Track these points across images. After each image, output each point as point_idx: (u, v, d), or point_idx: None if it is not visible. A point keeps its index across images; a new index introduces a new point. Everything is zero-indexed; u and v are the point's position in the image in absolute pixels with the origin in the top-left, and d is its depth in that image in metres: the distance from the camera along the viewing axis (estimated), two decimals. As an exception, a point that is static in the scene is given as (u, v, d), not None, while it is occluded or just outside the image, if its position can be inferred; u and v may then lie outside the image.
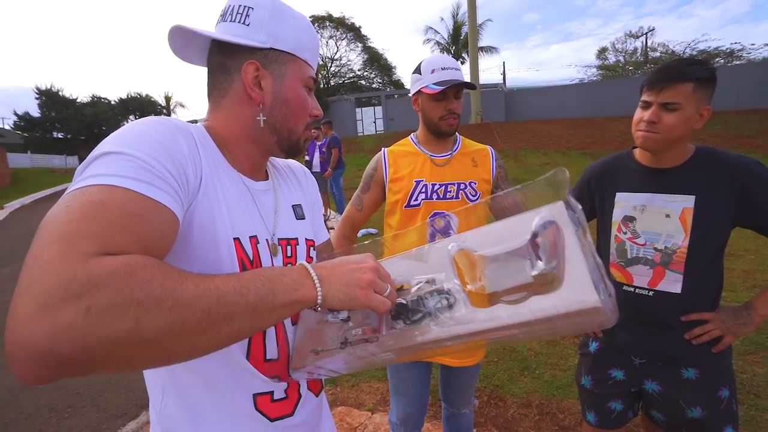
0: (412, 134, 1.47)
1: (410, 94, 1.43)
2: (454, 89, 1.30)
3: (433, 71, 1.30)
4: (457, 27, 25.83)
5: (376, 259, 0.62)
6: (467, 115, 20.02)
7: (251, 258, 0.63)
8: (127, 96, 34.64)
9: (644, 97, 1.11)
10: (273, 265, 0.67)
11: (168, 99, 37.05)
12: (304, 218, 0.81)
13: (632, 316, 1.19)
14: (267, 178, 0.76)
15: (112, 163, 0.48)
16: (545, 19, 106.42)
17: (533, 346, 2.81)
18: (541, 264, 0.53)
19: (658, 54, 26.79)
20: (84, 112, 29.68)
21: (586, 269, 0.51)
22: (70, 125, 29.67)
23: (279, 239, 0.71)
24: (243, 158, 0.69)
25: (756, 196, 1.04)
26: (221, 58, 0.67)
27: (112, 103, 33.50)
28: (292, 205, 0.79)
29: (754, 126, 14.34)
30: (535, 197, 0.59)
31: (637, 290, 1.17)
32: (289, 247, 0.73)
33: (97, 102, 32.20)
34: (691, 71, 1.03)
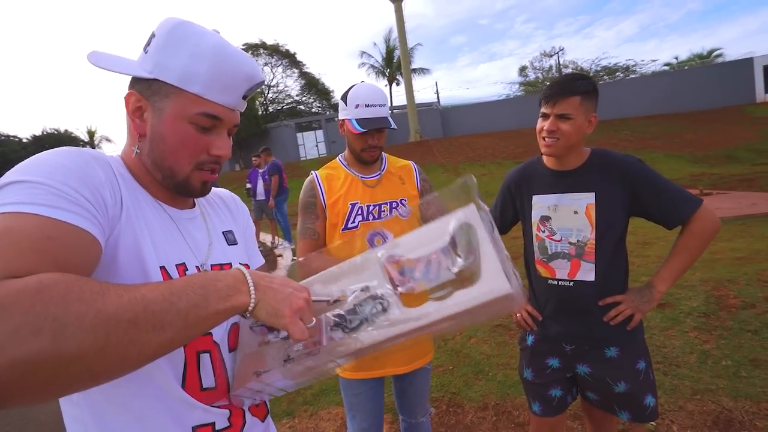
0: (339, 156, 1.50)
1: (338, 119, 1.45)
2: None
3: (357, 106, 1.31)
4: (389, 51, 26.93)
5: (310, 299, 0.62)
6: (406, 133, 20.74)
7: None
8: (42, 132, 31.62)
9: (543, 110, 1.26)
10: None
11: (91, 134, 34.26)
12: (236, 243, 0.80)
13: (559, 306, 1.31)
14: (193, 206, 0.75)
15: (19, 191, 0.47)
16: (471, 41, 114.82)
17: (485, 349, 2.92)
18: (460, 261, 0.60)
19: (569, 70, 29.84)
20: (-12, 154, 26.59)
21: (498, 262, 0.58)
22: (-29, 169, 26.32)
23: (212, 265, 0.70)
24: (158, 187, 0.67)
25: (640, 188, 1.20)
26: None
27: (24, 141, 30.39)
28: (223, 232, 0.78)
29: (653, 129, 16.41)
30: (451, 202, 0.67)
31: (560, 282, 1.29)
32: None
33: (5, 141, 29.03)
34: (577, 86, 1.20)
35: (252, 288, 0.55)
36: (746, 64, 18.47)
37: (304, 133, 24.89)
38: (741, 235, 4.59)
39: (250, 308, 0.54)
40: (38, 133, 31.92)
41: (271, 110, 28.82)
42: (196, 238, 0.70)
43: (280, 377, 0.65)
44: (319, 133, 24.65)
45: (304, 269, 0.96)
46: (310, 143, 24.81)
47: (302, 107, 30.47)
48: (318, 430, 2.32)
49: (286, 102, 30.02)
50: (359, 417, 1.44)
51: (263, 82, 0.69)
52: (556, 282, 1.30)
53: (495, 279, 0.57)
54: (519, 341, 1.50)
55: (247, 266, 0.78)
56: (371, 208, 1.37)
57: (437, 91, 29.57)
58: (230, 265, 0.74)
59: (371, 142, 1.35)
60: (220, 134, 0.66)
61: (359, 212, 1.36)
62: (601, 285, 1.24)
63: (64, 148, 0.56)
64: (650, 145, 14.32)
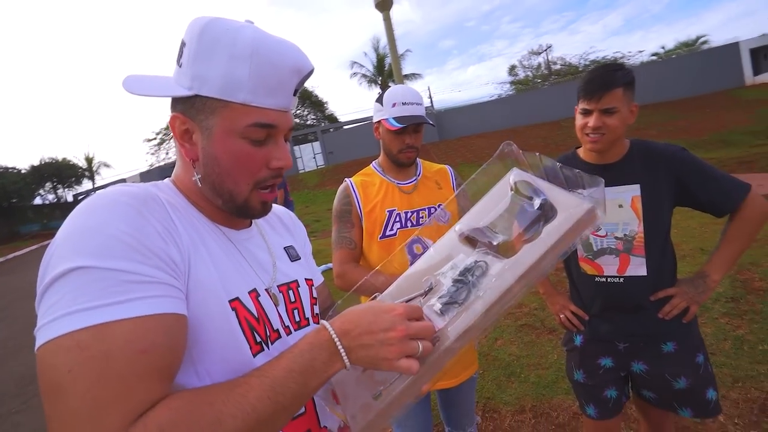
0: (374, 162, 1.48)
1: (373, 121, 1.43)
2: (413, 125, 1.31)
3: (394, 105, 1.31)
4: (380, 59, 27.14)
5: (412, 310, 0.55)
6: (403, 139, 20.72)
7: (256, 315, 0.59)
8: (41, 162, 31.52)
9: (583, 106, 1.22)
10: (278, 314, 0.64)
11: (90, 160, 34.26)
12: (299, 258, 0.77)
13: (608, 304, 1.28)
14: (250, 225, 0.71)
15: (86, 286, 0.43)
16: (459, 44, 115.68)
17: (513, 350, 2.88)
18: (537, 200, 0.65)
19: (558, 66, 30.12)
20: (-12, 186, 26.49)
21: (566, 191, 0.65)
22: (-29, 202, 26.26)
23: (279, 285, 0.67)
24: (214, 209, 0.62)
25: (687, 177, 1.18)
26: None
27: (23, 171, 30.32)
28: (284, 248, 0.75)
29: (645, 119, 16.46)
30: (495, 174, 0.74)
31: (608, 279, 1.26)
32: (291, 292, 0.69)
33: (3, 173, 28.91)
34: (618, 77, 1.17)
35: (344, 355, 0.52)
36: (732, 48, 18.64)
37: (300, 146, 24.91)
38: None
39: (347, 368, 0.53)
40: (36, 162, 31.91)
41: (265, 125, 28.92)
42: (259, 258, 0.67)
43: (406, 385, 0.58)
44: (316, 144, 24.67)
45: (363, 292, 0.91)
46: (308, 155, 24.82)
47: (297, 120, 30.59)
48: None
49: (280, 116, 30.13)
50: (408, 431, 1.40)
51: (313, 70, 0.60)
52: (604, 279, 1.27)
53: (572, 202, 0.62)
54: (564, 342, 1.46)
55: (311, 282, 0.76)
56: (409, 214, 1.35)
57: (430, 95, 29.69)
58: (296, 282, 0.71)
59: (408, 141, 1.33)
60: (277, 143, 0.59)
61: (397, 219, 1.34)
62: (654, 279, 1.21)
63: (107, 198, 0.49)
64: (644, 135, 13.94)
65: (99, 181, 34.76)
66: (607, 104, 1.17)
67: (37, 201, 31.34)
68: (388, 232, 1.34)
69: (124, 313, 0.43)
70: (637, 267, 1.22)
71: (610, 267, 1.26)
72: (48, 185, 31.93)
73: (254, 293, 0.60)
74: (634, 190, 1.22)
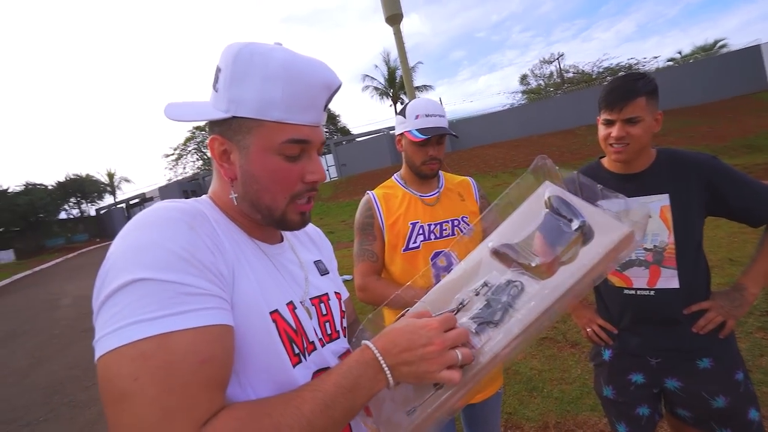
0: (395, 175, 1.48)
1: (395, 133, 1.44)
2: (436, 136, 1.31)
3: (417, 117, 1.32)
4: (391, 72, 27.45)
5: (446, 321, 0.57)
6: (416, 150, 20.82)
7: (294, 327, 0.61)
8: (66, 178, 32.74)
9: (605, 116, 1.20)
10: (313, 327, 0.65)
11: (111, 176, 35.46)
12: (328, 272, 0.79)
13: (639, 317, 1.23)
14: (281, 240, 0.73)
15: (146, 297, 0.45)
16: (470, 55, 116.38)
17: (535, 364, 2.81)
18: (575, 221, 0.63)
19: (571, 74, 29.92)
20: (17, 201, 27.55)
21: (603, 212, 0.63)
22: (2, 217, 27.34)
23: (311, 299, 0.69)
24: (251, 224, 0.65)
25: (720, 186, 1.14)
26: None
27: (49, 187, 31.48)
28: (314, 262, 0.77)
29: (665, 126, 15.70)
30: (527, 187, 0.72)
31: (638, 292, 1.21)
32: (322, 305, 0.71)
33: (31, 189, 30.06)
34: (641, 86, 1.14)
35: (388, 373, 0.54)
36: (754, 51, 18.21)
37: (314, 158, 25.23)
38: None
39: (390, 387, 0.55)
40: (61, 179, 33.12)
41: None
42: (293, 272, 0.69)
43: (441, 402, 0.59)
44: (329, 157, 24.94)
45: (394, 306, 0.90)
46: (321, 168, 25.12)
47: (310, 134, 31.06)
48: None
49: (294, 130, 30.67)
50: None
51: (341, 85, 0.63)
52: (633, 292, 1.22)
53: (610, 225, 0.61)
54: (591, 357, 1.41)
55: (340, 295, 0.78)
56: (432, 227, 1.34)
57: (441, 106, 29.79)
58: (327, 296, 0.73)
59: (432, 153, 1.33)
60: (311, 157, 0.62)
61: (420, 231, 1.33)
62: (687, 292, 1.16)
63: (158, 214, 0.51)
64: (664, 141, 13.98)
65: (120, 195, 35.84)
66: (629, 114, 1.14)
67: (62, 216, 32.50)
68: (411, 245, 1.33)
69: (184, 324, 0.45)
70: (669, 279, 1.18)
71: (639, 279, 1.22)
72: (72, 200, 33.04)
73: (291, 305, 0.62)
74: (662, 200, 1.18)
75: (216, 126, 0.60)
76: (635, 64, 26.79)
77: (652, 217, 1.20)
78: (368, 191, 1.43)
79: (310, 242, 0.83)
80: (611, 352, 1.32)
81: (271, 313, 0.57)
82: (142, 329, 0.43)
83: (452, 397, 0.57)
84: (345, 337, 0.74)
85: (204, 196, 0.66)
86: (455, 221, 1.36)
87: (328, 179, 24.15)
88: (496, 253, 0.66)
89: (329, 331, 0.70)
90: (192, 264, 0.48)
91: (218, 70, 0.59)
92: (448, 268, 1.11)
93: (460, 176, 1.51)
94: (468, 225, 1.35)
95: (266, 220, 0.63)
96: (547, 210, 0.66)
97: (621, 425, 1.29)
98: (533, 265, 0.62)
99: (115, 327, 0.43)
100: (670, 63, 27.38)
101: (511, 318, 0.59)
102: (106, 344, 0.43)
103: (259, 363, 0.54)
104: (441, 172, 1.47)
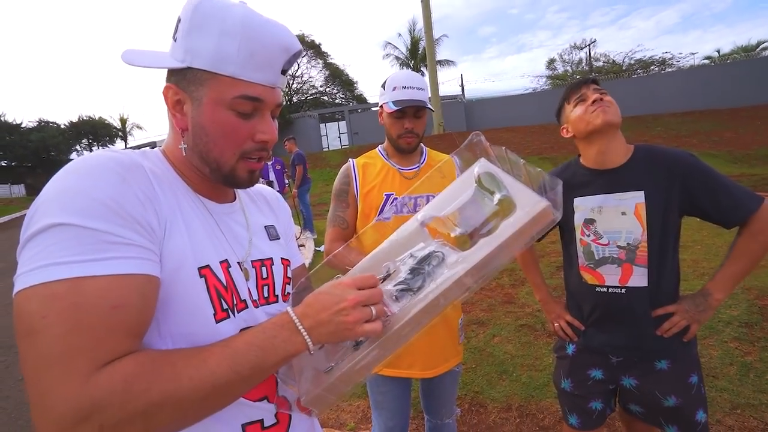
0: (379, 146, 1.48)
1: (378, 107, 1.43)
2: (413, 108, 1.31)
3: (394, 88, 1.31)
4: (414, 42, 26.57)
5: (362, 280, 0.59)
6: (429, 126, 20.50)
7: (225, 284, 0.61)
8: (78, 119, 32.80)
9: (575, 97, 1.25)
10: (248, 288, 0.66)
11: (123, 121, 35.40)
12: (278, 238, 0.79)
13: (607, 315, 1.23)
14: (234, 200, 0.73)
15: (66, 241, 0.46)
16: (500, 32, 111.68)
17: (509, 349, 2.86)
18: (496, 195, 0.66)
19: (600, 63, 28.73)
20: (30, 138, 27.81)
21: (525, 187, 0.65)
22: (15, 152, 27.68)
23: (252, 261, 0.69)
24: (199, 181, 0.65)
25: (695, 185, 1.12)
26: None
27: (62, 127, 31.68)
28: (265, 226, 0.77)
29: (688, 127, 15.62)
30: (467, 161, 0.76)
31: (610, 290, 1.21)
32: (264, 268, 0.71)
33: (44, 126, 30.24)
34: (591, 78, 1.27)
35: (305, 334, 0.55)
36: (796, 58, 17.27)
37: (327, 124, 24.93)
38: (786, 241, 4.32)
39: (310, 351, 0.56)
40: (74, 119, 33.24)
41: (294, 101, 29.01)
42: (236, 233, 0.69)
43: (356, 362, 0.61)
44: (342, 124, 24.64)
45: (334, 266, 0.94)
46: (333, 134, 24.84)
47: (326, 98, 30.51)
48: (339, 421, 2.33)
49: (310, 93, 30.13)
50: (386, 415, 1.42)
51: (302, 51, 0.64)
52: (605, 289, 1.22)
53: (530, 199, 0.63)
54: (555, 349, 1.43)
55: (287, 261, 0.78)
56: (407, 200, 1.34)
57: (462, 83, 28.99)
58: (271, 260, 0.73)
59: (408, 125, 1.32)
60: (263, 117, 0.62)
61: (394, 203, 1.34)
62: (654, 292, 1.16)
63: (94, 161, 0.52)
64: (685, 143, 13.64)
65: (131, 141, 35.98)
66: (597, 87, 1.24)
67: (73, 156, 32.83)
68: (382, 216, 1.33)
69: (99, 270, 0.46)
70: (640, 278, 1.17)
71: (611, 277, 1.21)
72: (84, 142, 33.27)
73: (225, 264, 0.62)
74: (637, 197, 1.16)
75: (172, 75, 0.60)
76: (669, 59, 25.59)
77: (626, 214, 1.18)
78: (350, 159, 1.44)
79: (266, 206, 0.83)
80: (575, 347, 1.34)
81: (201, 268, 0.58)
82: (56, 271, 0.44)
83: (367, 357, 0.59)
84: (285, 302, 0.74)
85: (155, 149, 0.66)
86: (431, 197, 1.35)
87: (339, 147, 24.00)
88: (426, 226, 0.69)
89: (267, 294, 0.70)
90: (118, 214, 0.49)
91: (179, 20, 0.59)
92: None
93: (445, 155, 1.49)
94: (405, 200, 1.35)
95: (214, 174, 0.63)
96: (476, 185, 0.69)
97: (573, 416, 1.33)
98: (453, 235, 0.65)
99: (33, 267, 0.45)
100: (706, 61, 26.12)
101: (429, 286, 0.61)
102: (23, 282, 0.45)
103: (182, 315, 0.55)
104: (426, 149, 1.46)
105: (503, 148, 0.71)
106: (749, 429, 1.90)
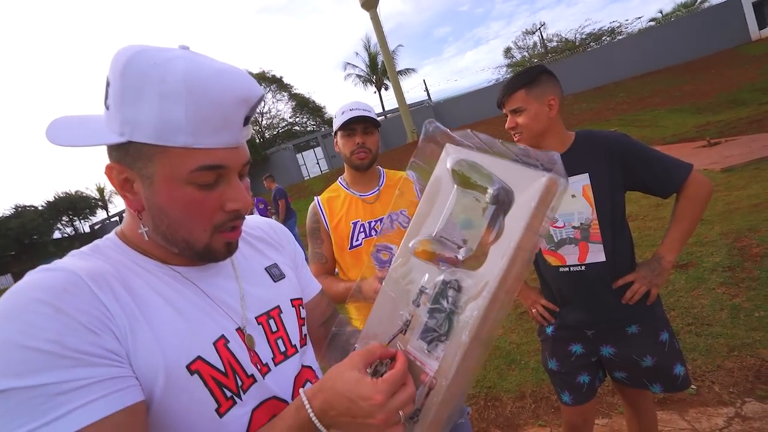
0: (339, 178, 1.56)
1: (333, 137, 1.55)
2: (361, 125, 1.41)
3: (343, 112, 1.42)
4: (372, 58, 27.11)
5: (385, 393, 0.49)
6: (402, 135, 20.80)
7: (224, 369, 0.54)
8: (55, 197, 32.60)
9: (503, 110, 1.35)
10: (256, 354, 0.59)
11: (101, 190, 35.22)
12: (283, 277, 0.70)
13: (573, 293, 1.32)
14: None
15: (11, 411, 0.39)
16: (455, 30, 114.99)
17: (514, 338, 2.92)
18: (490, 188, 0.54)
19: (554, 44, 29.61)
20: (9, 226, 27.59)
21: (517, 165, 0.54)
22: (-5, 242, 27.36)
23: (257, 317, 0.61)
24: (170, 254, 0.56)
25: (631, 162, 1.22)
26: None
27: (40, 208, 31.37)
28: (266, 268, 0.69)
29: (649, 87, 16.09)
30: (433, 153, 0.64)
31: (571, 269, 1.30)
32: (272, 321, 0.63)
33: (22, 212, 30.04)
34: (516, 82, 1.27)
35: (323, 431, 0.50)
36: (734, 4, 18.02)
37: (303, 152, 25.15)
38: (756, 180, 4.49)
39: None
40: (51, 198, 32.96)
41: (267, 136, 29.24)
42: (229, 291, 0.60)
43: None
44: (318, 150, 24.88)
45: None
46: (311, 161, 25.05)
47: (297, 128, 30.81)
48: None
49: (281, 126, 30.42)
50: None
51: (263, 96, 0.54)
52: (567, 269, 1.31)
53: (527, 175, 0.52)
54: (538, 333, 1.51)
55: (299, 301, 0.71)
56: (373, 224, 1.42)
57: (426, 88, 29.54)
58: (278, 308, 0.65)
59: (359, 140, 1.41)
60: (231, 183, 0.53)
61: (362, 230, 1.41)
62: (612, 264, 1.25)
63: (15, 300, 0.44)
64: (650, 104, 14.07)
65: (112, 209, 35.69)
66: (512, 106, 1.29)
67: (56, 235, 32.42)
68: (354, 243, 1.42)
69: (65, 429, 0.40)
70: (596, 254, 1.26)
71: (571, 256, 1.30)
72: (64, 219, 32.96)
73: (222, 341, 0.55)
74: (584, 180, 1.26)
75: (113, 150, 0.51)
76: (617, 27, 26.54)
77: (576, 196, 1.28)
78: (315, 197, 1.53)
79: (263, 243, 0.73)
80: (553, 327, 1.41)
81: (190, 364, 0.51)
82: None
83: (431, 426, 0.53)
84: (304, 346, 0.68)
85: (110, 234, 0.59)
86: (393, 215, 1.43)
87: (319, 172, 24.13)
88: (414, 251, 0.59)
89: (283, 348, 0.63)
90: (62, 356, 0.41)
91: (107, 83, 0.49)
92: (390, 261, 1.19)
93: (401, 172, 1.57)
94: (407, 217, 1.42)
95: (186, 253, 0.55)
96: (456, 185, 0.57)
97: (565, 394, 1.40)
98: (460, 258, 0.54)
99: None
100: (652, 23, 27.09)
101: (457, 327, 0.52)
102: None
103: (184, 422, 0.50)
104: (383, 171, 1.54)
105: (468, 130, 0.59)
106: (748, 367, 1.97)
